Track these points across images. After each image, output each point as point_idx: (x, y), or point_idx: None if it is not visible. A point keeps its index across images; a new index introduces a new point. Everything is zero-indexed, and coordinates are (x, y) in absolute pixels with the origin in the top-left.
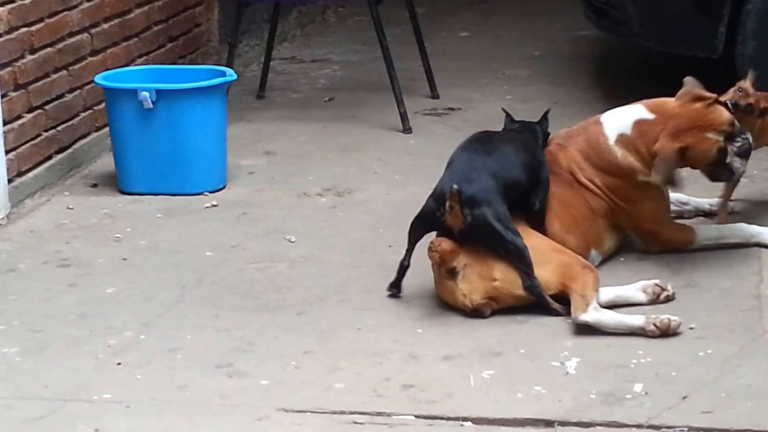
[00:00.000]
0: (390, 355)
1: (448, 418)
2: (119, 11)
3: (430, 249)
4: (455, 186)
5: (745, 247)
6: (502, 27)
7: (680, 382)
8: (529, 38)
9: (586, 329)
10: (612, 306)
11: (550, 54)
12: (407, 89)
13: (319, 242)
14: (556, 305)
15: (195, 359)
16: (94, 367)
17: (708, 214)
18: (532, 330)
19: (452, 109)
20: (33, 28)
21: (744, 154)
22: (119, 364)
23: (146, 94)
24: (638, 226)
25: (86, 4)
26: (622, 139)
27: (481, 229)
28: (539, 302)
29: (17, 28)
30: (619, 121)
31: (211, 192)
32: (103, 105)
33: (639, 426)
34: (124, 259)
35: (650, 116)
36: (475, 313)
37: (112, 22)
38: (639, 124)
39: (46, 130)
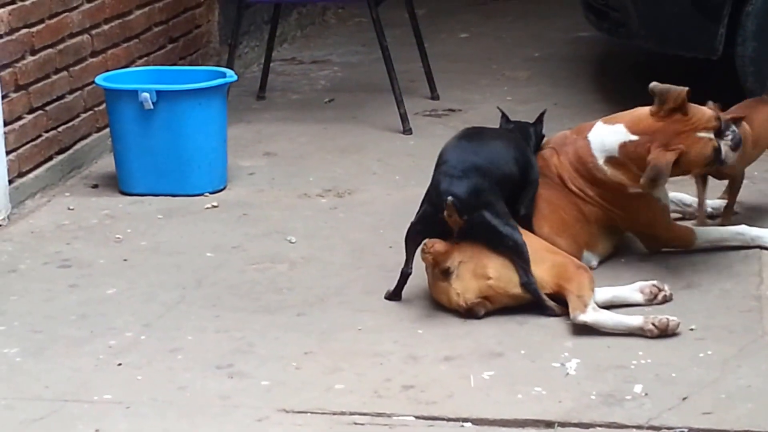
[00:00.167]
0: (390, 355)
1: (449, 419)
2: (120, 12)
3: (423, 251)
4: (450, 198)
5: (746, 248)
6: (502, 28)
7: (680, 383)
8: (529, 40)
9: (585, 330)
10: (609, 306)
11: (550, 55)
12: (407, 90)
13: (320, 243)
14: (551, 303)
15: (195, 360)
16: (95, 367)
17: (711, 216)
18: (532, 331)
19: (452, 110)
20: (34, 29)
21: (737, 146)
22: (120, 364)
23: (147, 95)
24: (635, 229)
25: (87, 6)
26: (611, 160)
27: (480, 228)
28: (535, 300)
29: (18, 29)
30: (605, 143)
31: (211, 193)
32: (103, 106)
33: (639, 427)
34: (125, 260)
35: (633, 138)
36: (469, 313)
37: (113, 23)
38: (624, 146)
39: (46, 131)
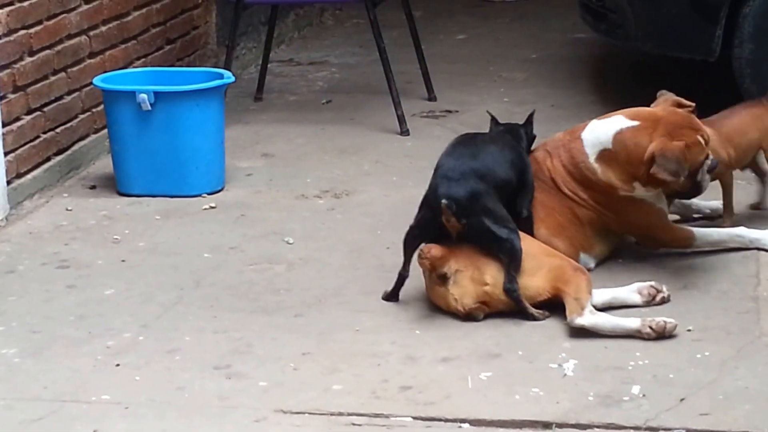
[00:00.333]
0: (388, 356)
1: (446, 420)
2: (117, 14)
3: (420, 256)
4: (444, 201)
5: (744, 250)
6: (499, 30)
7: (678, 384)
8: (526, 41)
9: (583, 331)
10: (608, 307)
11: (547, 57)
12: (404, 92)
13: (317, 244)
14: (533, 310)
15: (193, 360)
16: (93, 368)
17: (710, 218)
18: (530, 332)
19: (449, 111)
20: (32, 31)
21: (711, 171)
22: (118, 365)
23: (144, 96)
24: (631, 232)
25: (84, 7)
26: (602, 155)
27: (478, 232)
28: (517, 306)
29: (16, 31)
30: (599, 136)
31: (209, 194)
32: (101, 107)
33: (636, 428)
34: (123, 261)
35: (633, 123)
36: (467, 317)
37: (111, 25)
38: (620, 134)
39: (44, 132)
